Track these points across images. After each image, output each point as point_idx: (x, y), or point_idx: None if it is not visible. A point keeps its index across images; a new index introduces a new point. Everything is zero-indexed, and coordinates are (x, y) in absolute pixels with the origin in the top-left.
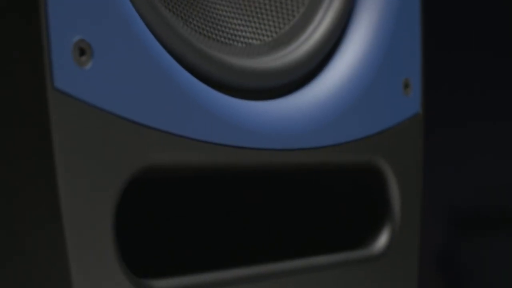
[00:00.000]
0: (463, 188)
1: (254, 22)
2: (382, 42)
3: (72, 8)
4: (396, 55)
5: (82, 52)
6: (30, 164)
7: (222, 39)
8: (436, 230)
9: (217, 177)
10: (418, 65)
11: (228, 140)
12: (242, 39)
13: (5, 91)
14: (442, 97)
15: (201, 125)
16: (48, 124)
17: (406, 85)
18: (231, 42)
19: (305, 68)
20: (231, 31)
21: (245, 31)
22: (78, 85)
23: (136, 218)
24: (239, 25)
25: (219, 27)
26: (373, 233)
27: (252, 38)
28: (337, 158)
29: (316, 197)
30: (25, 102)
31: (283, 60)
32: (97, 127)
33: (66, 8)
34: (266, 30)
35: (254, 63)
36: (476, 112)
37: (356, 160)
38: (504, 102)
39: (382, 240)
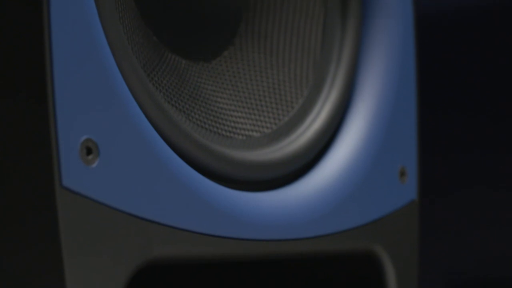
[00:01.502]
0: (461, 260)
1: (254, 114)
2: (378, 132)
3: (79, 109)
4: (392, 144)
5: (89, 151)
6: (39, 258)
7: (223, 132)
8: None
9: (218, 266)
10: (414, 153)
11: (229, 233)
12: (242, 131)
13: (15, 188)
14: (440, 165)
15: (203, 219)
16: (56, 221)
17: (402, 173)
18: (231, 134)
19: (304, 159)
20: (232, 124)
21: (245, 123)
22: (84, 182)
23: None
24: (239, 117)
25: (220, 120)
26: None
27: (252, 130)
28: (335, 246)
29: (314, 283)
30: (34, 199)
31: (283, 151)
32: (103, 222)
33: (73, 109)
34: (266, 122)
35: (254, 155)
36: (471, 181)
37: (353, 248)
38: (502, 171)
39: None
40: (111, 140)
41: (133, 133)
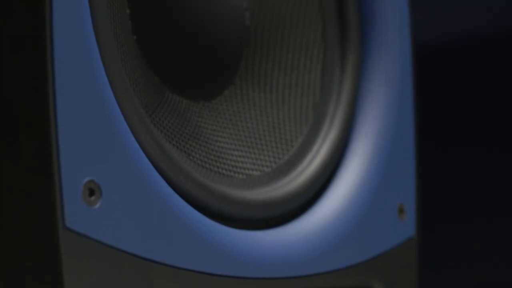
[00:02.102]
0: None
1: (254, 153)
2: (377, 169)
3: (81, 150)
4: (390, 181)
5: (91, 192)
6: None
7: (224, 171)
8: None
9: None
10: (412, 191)
11: (229, 271)
12: (242, 170)
13: (18, 230)
14: (441, 197)
15: (204, 258)
16: (59, 261)
17: (401, 210)
18: (232, 174)
19: (304, 197)
20: (232, 163)
21: (246, 163)
22: (87, 224)
23: None
24: (239, 156)
25: (220, 159)
26: None
27: (252, 169)
28: (335, 284)
29: None
30: (37, 240)
31: (282, 190)
32: (105, 262)
33: (76, 150)
34: (265, 160)
35: (254, 194)
36: (471, 211)
37: (353, 285)
38: (501, 206)
39: None
40: (113, 181)
41: (135, 174)
